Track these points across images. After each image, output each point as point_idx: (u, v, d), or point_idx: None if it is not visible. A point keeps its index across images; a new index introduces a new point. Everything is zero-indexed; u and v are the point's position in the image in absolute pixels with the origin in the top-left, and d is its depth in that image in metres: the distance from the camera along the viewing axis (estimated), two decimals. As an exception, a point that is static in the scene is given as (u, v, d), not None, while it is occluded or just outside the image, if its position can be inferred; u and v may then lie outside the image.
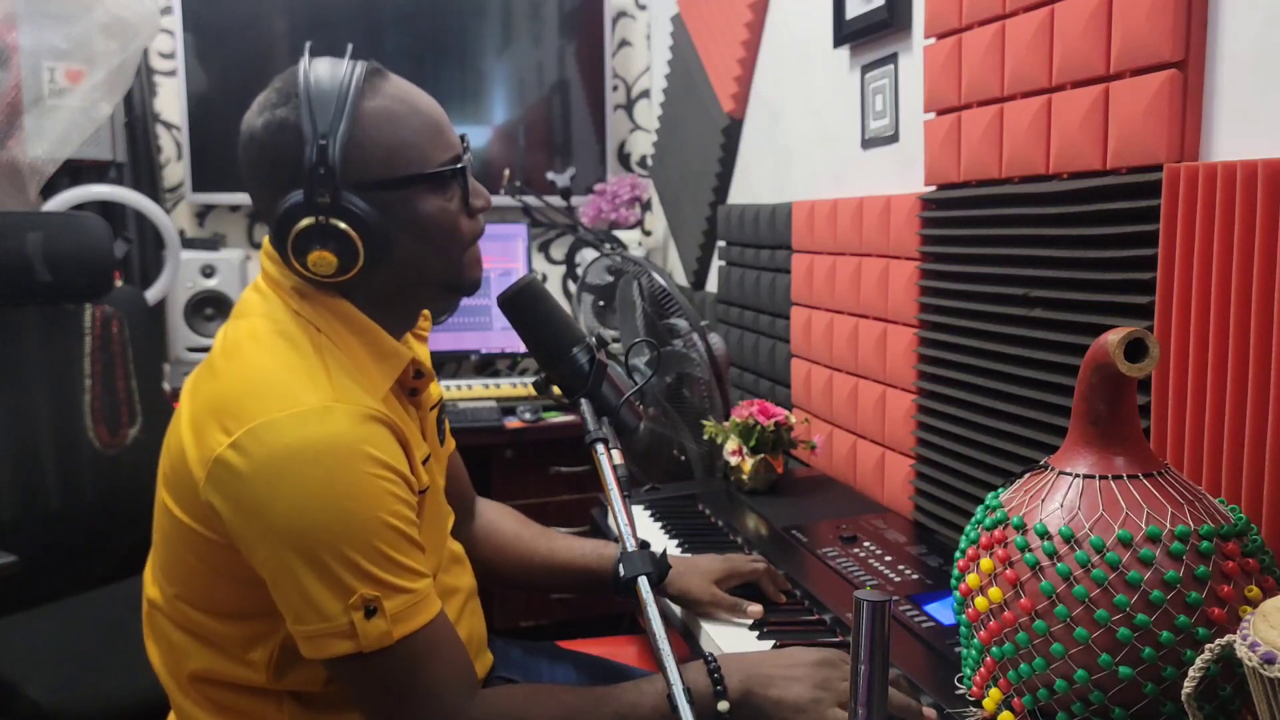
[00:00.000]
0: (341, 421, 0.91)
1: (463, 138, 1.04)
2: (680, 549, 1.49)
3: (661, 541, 1.53)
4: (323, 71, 0.96)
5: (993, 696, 0.91)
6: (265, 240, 1.03)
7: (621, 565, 0.87)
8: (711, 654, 1.01)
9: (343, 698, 1.01)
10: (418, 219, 0.99)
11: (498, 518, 1.38)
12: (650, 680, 1.00)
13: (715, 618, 1.24)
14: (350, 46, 0.99)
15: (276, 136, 0.95)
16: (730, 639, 1.19)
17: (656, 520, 1.62)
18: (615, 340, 2.11)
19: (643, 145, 3.12)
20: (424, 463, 1.04)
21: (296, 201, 0.94)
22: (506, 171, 2.81)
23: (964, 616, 0.94)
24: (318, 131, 0.93)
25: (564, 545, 1.35)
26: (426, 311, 1.15)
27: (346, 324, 0.99)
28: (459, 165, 1.01)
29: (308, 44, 1.00)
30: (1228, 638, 0.74)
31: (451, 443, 1.27)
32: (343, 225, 0.94)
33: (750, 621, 1.23)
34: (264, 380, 0.94)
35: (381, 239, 0.96)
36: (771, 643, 1.17)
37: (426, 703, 0.93)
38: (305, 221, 0.94)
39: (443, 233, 1.01)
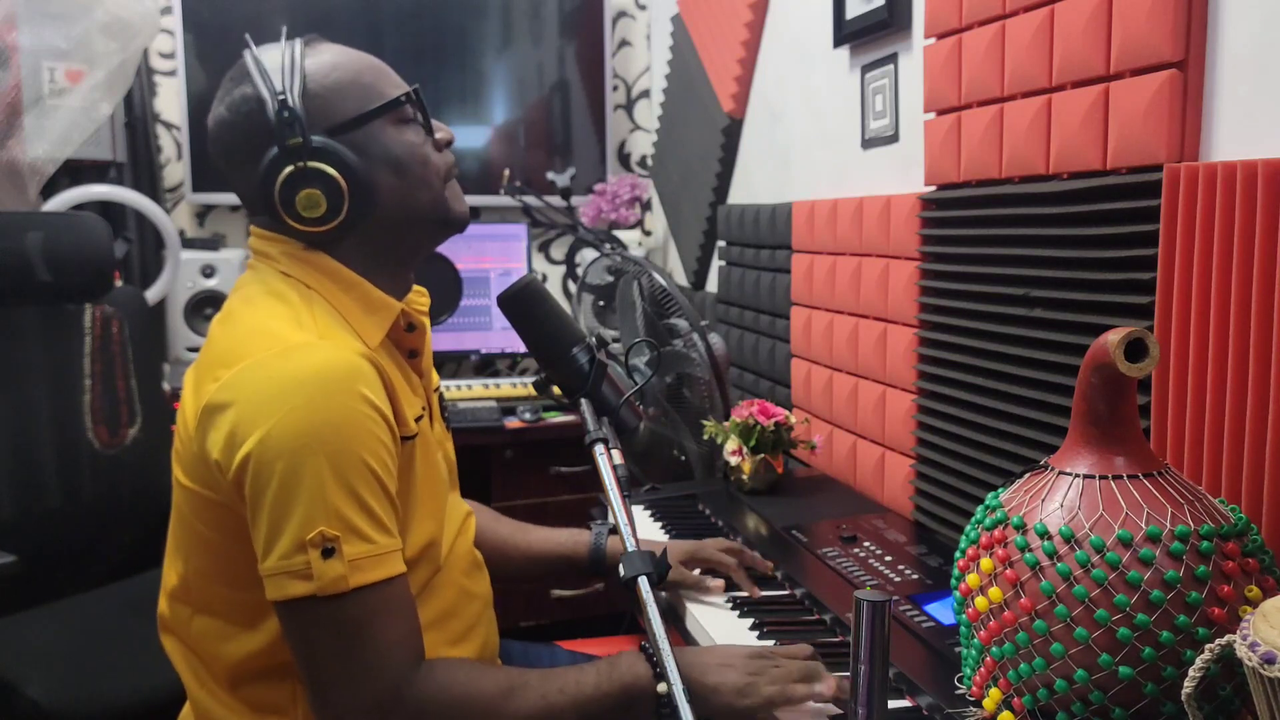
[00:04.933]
0: (328, 354, 0.94)
1: (415, 90, 1.08)
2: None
3: (661, 542, 1.52)
4: (266, 50, 1.05)
5: (993, 696, 0.91)
6: (251, 227, 1.09)
7: (622, 565, 0.88)
8: (648, 645, 1.03)
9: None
10: (388, 154, 1.03)
11: (474, 512, 1.39)
12: (594, 663, 1.02)
13: (701, 602, 1.30)
14: (284, 29, 1.07)
15: (241, 109, 1.02)
16: (728, 634, 1.19)
17: (656, 520, 1.62)
18: (615, 340, 2.11)
19: (643, 145, 3.12)
20: (417, 420, 1.05)
21: (274, 155, 0.99)
22: (506, 171, 2.81)
23: (964, 616, 0.94)
24: (275, 90, 0.99)
25: (539, 536, 1.40)
26: (420, 288, 1.16)
27: (335, 280, 1.03)
28: (412, 94, 1.06)
29: (246, 35, 1.07)
30: (1228, 638, 0.74)
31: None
32: (321, 166, 0.99)
33: (718, 595, 1.30)
34: (253, 330, 0.98)
35: (362, 177, 1.01)
36: (773, 641, 1.17)
37: (370, 664, 0.93)
38: (286, 169, 0.99)
39: (415, 163, 1.05)
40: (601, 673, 1.00)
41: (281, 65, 1.01)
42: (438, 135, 1.09)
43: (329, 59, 1.04)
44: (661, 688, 0.99)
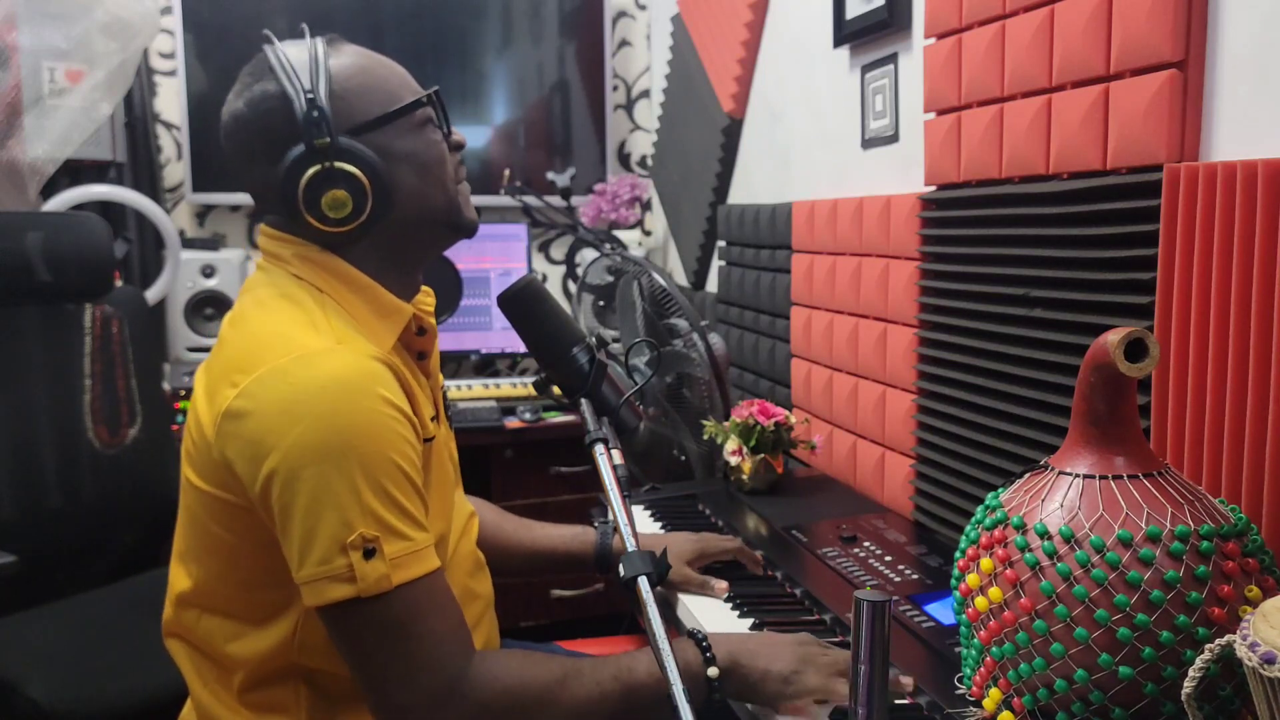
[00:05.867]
0: (346, 359, 0.94)
1: (436, 91, 1.09)
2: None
3: (664, 538, 1.52)
4: (289, 47, 1.03)
5: (993, 696, 0.91)
6: (261, 226, 1.08)
7: (622, 565, 0.88)
8: (698, 630, 1.05)
9: (358, 688, 1.00)
10: (410, 154, 1.04)
11: (478, 510, 1.40)
12: (644, 649, 1.02)
13: (696, 593, 1.31)
14: (305, 26, 1.07)
15: (263, 106, 1.01)
16: (722, 626, 1.19)
17: (656, 520, 1.62)
18: (615, 340, 2.11)
19: (643, 145, 3.12)
20: (432, 419, 1.05)
21: (300, 153, 0.99)
22: (506, 171, 2.81)
23: (964, 616, 0.94)
24: (302, 88, 0.99)
25: (544, 533, 1.40)
26: (427, 288, 1.16)
27: (347, 284, 1.03)
28: (433, 96, 1.07)
29: (265, 31, 1.07)
30: (1228, 638, 0.74)
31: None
32: (347, 166, 0.99)
33: (722, 596, 1.29)
34: (268, 334, 0.97)
35: (384, 176, 1.01)
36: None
37: (421, 658, 0.93)
38: (313, 169, 0.98)
39: (435, 162, 1.06)
40: (654, 658, 1.01)
41: (308, 63, 1.01)
42: (454, 137, 1.10)
43: (352, 60, 1.04)
44: (712, 672, 1.00)
